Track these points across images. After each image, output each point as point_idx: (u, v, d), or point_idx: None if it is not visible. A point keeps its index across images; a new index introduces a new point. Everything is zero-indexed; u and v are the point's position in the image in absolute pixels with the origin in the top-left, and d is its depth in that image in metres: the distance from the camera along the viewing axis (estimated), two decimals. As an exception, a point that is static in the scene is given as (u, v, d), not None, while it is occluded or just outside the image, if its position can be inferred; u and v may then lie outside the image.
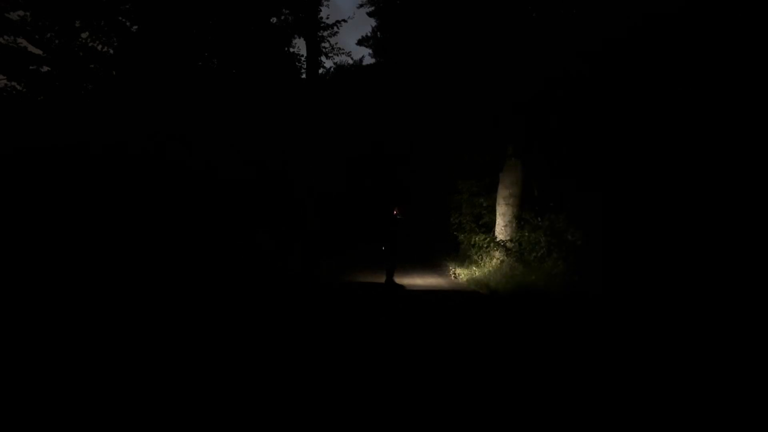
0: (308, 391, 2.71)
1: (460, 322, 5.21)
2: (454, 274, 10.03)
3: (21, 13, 7.69)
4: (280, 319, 4.99)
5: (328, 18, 12.10)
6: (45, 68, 8.05)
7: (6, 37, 7.63)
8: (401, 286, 7.92)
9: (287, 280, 7.72)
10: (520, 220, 9.26)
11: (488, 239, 9.74)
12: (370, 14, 14.00)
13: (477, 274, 9.09)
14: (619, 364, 3.36)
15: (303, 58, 11.50)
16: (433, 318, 5.44)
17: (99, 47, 8.37)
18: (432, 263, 12.27)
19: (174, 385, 2.80)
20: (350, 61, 13.77)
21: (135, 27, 8.64)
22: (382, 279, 8.00)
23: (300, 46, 12.33)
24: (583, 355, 3.69)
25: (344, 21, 12.15)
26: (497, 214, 9.62)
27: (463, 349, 3.83)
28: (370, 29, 15.71)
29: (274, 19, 10.94)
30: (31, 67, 7.87)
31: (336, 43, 14.75)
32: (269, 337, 4.11)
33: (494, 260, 9.31)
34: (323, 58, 12.37)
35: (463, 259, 10.85)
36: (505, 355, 3.71)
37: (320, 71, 12.45)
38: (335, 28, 12.13)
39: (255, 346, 3.79)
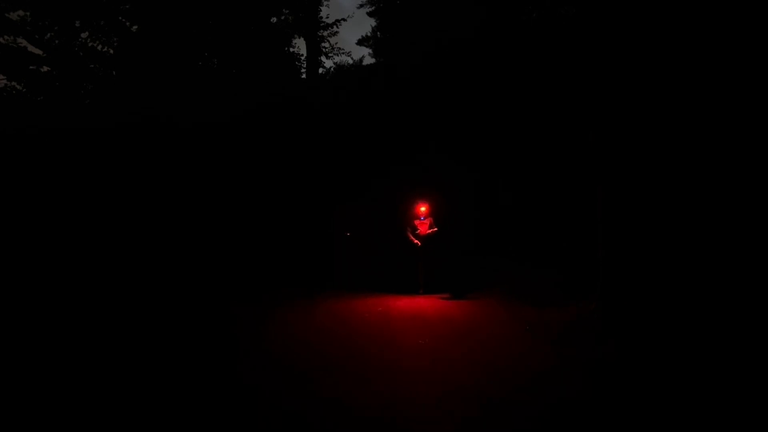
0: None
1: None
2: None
3: (21, 13, 7.70)
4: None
5: (328, 17, 12.08)
6: (45, 68, 8.06)
7: (6, 37, 7.64)
8: None
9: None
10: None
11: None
12: (370, 14, 13.95)
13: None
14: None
15: (303, 58, 11.47)
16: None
17: (99, 47, 8.38)
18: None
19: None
20: (350, 61, 13.70)
21: (135, 27, 8.64)
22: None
23: (300, 46, 12.27)
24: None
25: (344, 20, 12.10)
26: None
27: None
28: (370, 29, 15.67)
29: (274, 19, 10.92)
30: (31, 67, 7.88)
31: (336, 43, 14.67)
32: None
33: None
34: (323, 58, 12.33)
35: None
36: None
37: (320, 71, 12.41)
38: (335, 28, 12.08)
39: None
